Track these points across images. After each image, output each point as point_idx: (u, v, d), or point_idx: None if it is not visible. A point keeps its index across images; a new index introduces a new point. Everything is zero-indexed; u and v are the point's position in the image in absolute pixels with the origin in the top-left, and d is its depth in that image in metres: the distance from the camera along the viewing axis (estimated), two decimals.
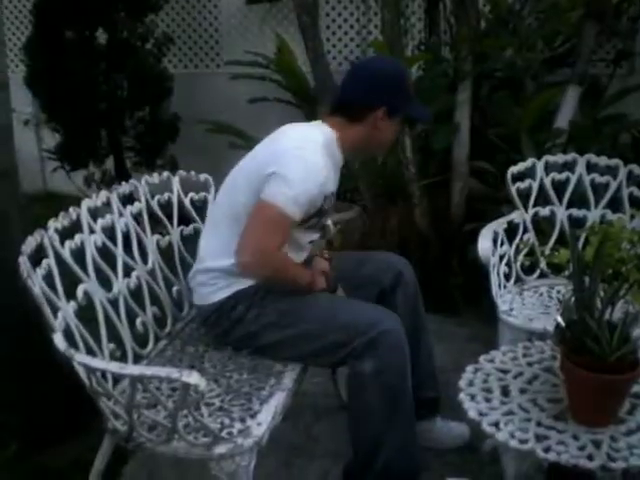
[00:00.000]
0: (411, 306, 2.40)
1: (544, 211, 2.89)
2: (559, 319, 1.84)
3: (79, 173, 4.92)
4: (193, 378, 1.68)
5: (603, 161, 2.89)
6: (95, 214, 2.24)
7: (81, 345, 1.97)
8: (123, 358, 2.15)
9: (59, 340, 1.83)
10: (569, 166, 2.91)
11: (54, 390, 2.46)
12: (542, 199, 2.89)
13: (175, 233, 2.53)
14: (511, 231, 2.82)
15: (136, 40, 4.65)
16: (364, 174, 3.85)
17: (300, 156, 2.11)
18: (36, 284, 1.88)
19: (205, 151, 4.61)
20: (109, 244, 2.25)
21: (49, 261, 1.99)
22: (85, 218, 2.18)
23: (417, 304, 2.44)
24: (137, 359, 2.22)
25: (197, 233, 2.54)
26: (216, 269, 2.23)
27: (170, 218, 2.52)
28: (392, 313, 2.16)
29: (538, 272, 2.86)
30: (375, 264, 2.44)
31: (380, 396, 2.07)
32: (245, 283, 2.21)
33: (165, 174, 2.57)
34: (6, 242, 2.34)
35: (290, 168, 2.09)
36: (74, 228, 2.14)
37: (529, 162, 2.90)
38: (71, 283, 2.06)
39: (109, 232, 2.26)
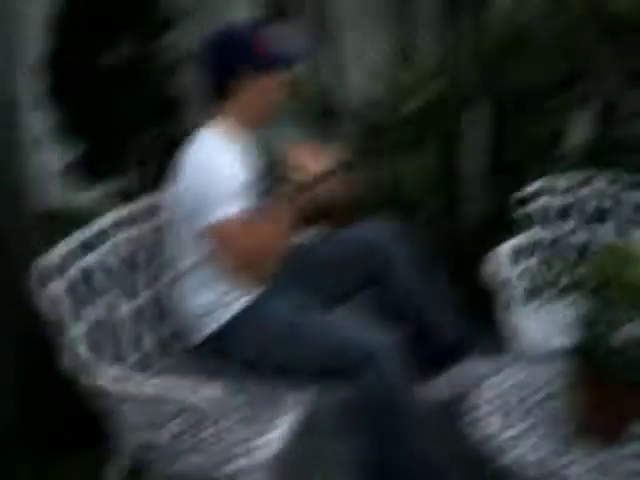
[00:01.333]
0: (412, 268, 2.43)
1: (561, 229, 2.89)
2: (575, 339, 1.84)
3: (96, 188, 4.94)
4: (208, 393, 1.69)
5: (621, 179, 2.90)
6: (117, 228, 2.26)
7: (106, 355, 1.98)
8: (144, 369, 2.16)
9: (68, 360, 1.83)
10: (586, 184, 2.91)
11: (63, 402, 2.46)
12: (559, 217, 2.90)
13: None
14: (527, 249, 2.82)
15: (157, 56, 4.68)
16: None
17: (193, 166, 2.15)
18: (52, 300, 1.89)
19: None
20: (129, 258, 2.26)
21: (69, 274, 2.00)
22: (107, 231, 2.21)
23: (420, 254, 2.48)
24: (157, 372, 2.24)
25: None
26: (191, 314, 2.26)
27: None
28: (385, 331, 2.13)
29: (554, 291, 2.86)
30: (371, 230, 2.45)
31: (374, 420, 2.06)
32: (234, 307, 2.23)
33: None
34: (10, 260, 2.36)
35: (194, 183, 2.11)
36: (95, 242, 2.17)
37: (543, 181, 2.90)
38: (91, 297, 2.07)
39: (132, 245, 2.28)
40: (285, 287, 2.30)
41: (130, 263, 2.26)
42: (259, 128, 2.32)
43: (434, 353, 2.26)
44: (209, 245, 2.12)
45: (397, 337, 2.12)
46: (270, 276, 2.20)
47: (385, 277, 2.36)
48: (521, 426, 1.84)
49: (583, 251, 2.80)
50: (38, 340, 2.32)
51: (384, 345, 2.09)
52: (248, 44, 2.19)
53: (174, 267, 2.30)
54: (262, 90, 2.21)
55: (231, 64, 2.18)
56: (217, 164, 2.12)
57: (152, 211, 2.45)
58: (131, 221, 2.32)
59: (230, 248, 2.11)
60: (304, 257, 2.42)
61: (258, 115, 2.28)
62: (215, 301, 2.22)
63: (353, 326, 2.18)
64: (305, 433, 2.13)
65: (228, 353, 2.25)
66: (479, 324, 3.41)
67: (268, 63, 2.20)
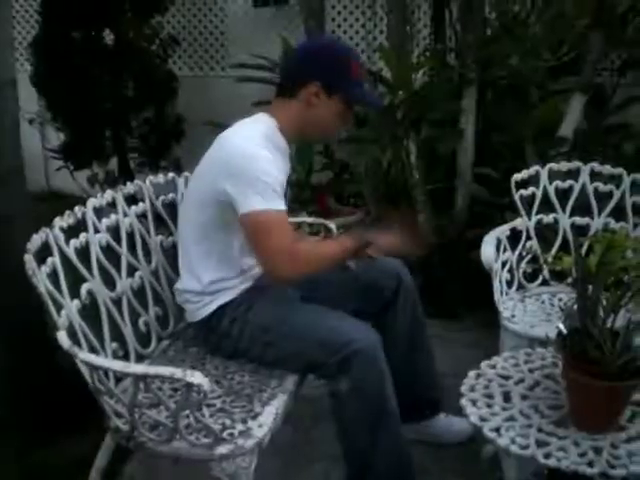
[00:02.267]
0: (411, 310, 2.40)
1: (547, 218, 2.90)
2: (561, 326, 1.85)
3: (83, 173, 4.93)
4: (196, 378, 1.70)
5: (607, 170, 2.90)
6: (100, 213, 2.24)
7: (84, 343, 1.97)
8: (125, 357, 2.16)
9: (63, 338, 1.84)
10: (573, 174, 2.91)
11: (56, 388, 2.46)
12: (546, 206, 2.90)
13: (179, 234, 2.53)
14: (514, 238, 2.82)
15: (142, 41, 4.66)
16: (367, 179, 3.86)
17: (246, 154, 2.07)
18: (41, 282, 1.89)
19: None
20: (113, 244, 2.25)
21: (54, 259, 1.99)
22: (90, 217, 2.18)
23: (416, 308, 2.44)
24: (139, 359, 2.23)
25: None
26: (194, 291, 2.23)
27: (174, 219, 2.52)
28: (368, 328, 2.11)
29: (541, 279, 2.87)
30: (376, 270, 2.41)
31: (360, 413, 2.05)
32: (228, 296, 2.22)
33: (170, 175, 2.58)
34: (13, 240, 2.35)
35: (242, 170, 2.04)
36: (79, 227, 2.15)
37: (533, 170, 2.90)
38: (75, 282, 2.06)
39: (114, 232, 2.27)
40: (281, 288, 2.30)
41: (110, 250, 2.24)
42: (302, 141, 2.34)
43: (409, 404, 2.27)
44: (249, 228, 2.08)
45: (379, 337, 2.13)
46: (297, 281, 2.20)
47: (380, 318, 2.37)
48: (505, 415, 1.85)
49: (567, 241, 2.79)
50: (28, 323, 2.33)
51: (372, 337, 2.08)
52: (338, 63, 2.18)
53: (181, 246, 2.31)
54: (323, 108, 2.18)
55: (311, 70, 2.17)
56: (267, 155, 2.09)
57: (135, 197, 2.43)
58: (113, 207, 2.30)
59: (279, 240, 2.07)
60: None
61: (306, 129, 2.25)
62: (204, 288, 2.21)
63: (341, 318, 2.17)
64: (288, 421, 2.13)
65: (215, 341, 2.25)
66: (472, 308, 3.45)
67: (346, 90, 2.19)
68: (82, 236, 2.14)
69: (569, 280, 2.03)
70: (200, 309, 2.23)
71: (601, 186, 2.88)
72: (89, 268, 2.13)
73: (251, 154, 2.06)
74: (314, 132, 2.29)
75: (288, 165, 2.28)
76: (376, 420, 2.07)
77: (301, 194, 4.02)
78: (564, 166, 2.94)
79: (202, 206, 2.17)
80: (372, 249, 2.25)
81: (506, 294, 2.74)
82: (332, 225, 2.71)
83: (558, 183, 2.90)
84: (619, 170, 2.89)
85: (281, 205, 2.07)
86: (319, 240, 2.22)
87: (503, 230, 2.81)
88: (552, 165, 2.93)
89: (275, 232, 2.06)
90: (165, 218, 2.50)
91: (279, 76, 2.27)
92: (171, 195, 2.54)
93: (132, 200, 2.41)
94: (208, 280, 2.21)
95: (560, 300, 2.74)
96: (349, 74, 2.18)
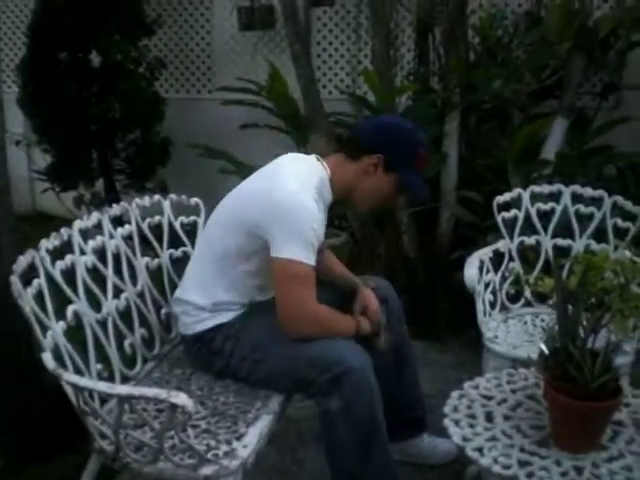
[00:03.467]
0: (395, 330, 2.41)
1: (529, 240, 2.93)
2: (543, 347, 1.87)
3: (69, 194, 4.94)
4: (181, 399, 1.70)
5: (588, 192, 2.94)
6: (86, 235, 2.26)
7: (69, 365, 1.98)
8: (111, 379, 2.16)
9: (48, 359, 1.84)
10: (555, 197, 2.95)
11: (42, 409, 2.46)
12: (528, 228, 2.94)
13: (165, 256, 2.55)
14: (497, 259, 2.85)
15: (129, 63, 4.69)
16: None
17: (298, 203, 2.08)
18: (26, 303, 1.90)
19: (196, 175, 4.64)
20: (99, 265, 2.26)
21: (40, 281, 2.00)
22: (76, 239, 2.19)
23: (401, 328, 2.46)
24: (124, 380, 2.23)
25: (187, 256, 2.56)
26: (197, 305, 2.25)
27: (160, 241, 2.54)
28: (359, 348, 2.13)
29: (523, 300, 2.89)
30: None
31: (350, 433, 2.06)
32: (226, 317, 2.24)
33: (156, 197, 2.59)
34: None
35: (291, 217, 2.06)
36: (65, 248, 2.16)
37: (515, 192, 2.94)
38: (61, 303, 2.07)
39: (100, 253, 2.28)
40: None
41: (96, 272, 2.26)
42: (340, 205, 2.41)
43: (394, 423, 2.28)
44: (280, 273, 2.08)
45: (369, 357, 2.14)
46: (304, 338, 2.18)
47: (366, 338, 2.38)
48: (487, 436, 1.86)
49: (549, 263, 2.82)
50: (14, 343, 2.33)
51: (362, 356, 2.10)
52: (407, 146, 2.24)
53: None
54: (377, 180, 2.24)
55: (381, 144, 2.22)
56: (314, 208, 2.10)
57: (121, 219, 2.45)
58: (99, 229, 2.31)
59: (304, 295, 2.10)
60: None
61: (352, 192, 2.29)
62: (209, 307, 2.23)
63: (331, 337, 2.17)
64: (273, 441, 2.13)
65: (206, 357, 2.26)
66: (455, 329, 3.46)
67: (403, 173, 2.24)
68: (68, 258, 2.15)
69: (551, 301, 2.05)
70: (196, 323, 2.24)
71: (582, 208, 2.92)
72: (75, 290, 2.14)
73: (304, 206, 2.08)
74: (359, 198, 2.32)
75: (327, 216, 2.30)
76: (366, 438, 2.07)
77: None
78: (546, 189, 2.99)
79: (232, 228, 2.18)
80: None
81: (489, 315, 2.76)
82: None
83: (540, 205, 2.93)
84: (600, 192, 2.93)
85: (313, 260, 2.09)
86: (337, 313, 2.22)
87: (486, 252, 2.84)
88: (534, 188, 2.97)
89: (303, 286, 2.09)
90: (151, 240, 2.51)
91: (349, 135, 2.33)
92: (157, 217, 2.56)
93: (118, 222, 2.43)
94: (215, 300, 2.22)
95: (542, 321, 2.77)
96: (412, 160, 2.25)
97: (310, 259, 2.07)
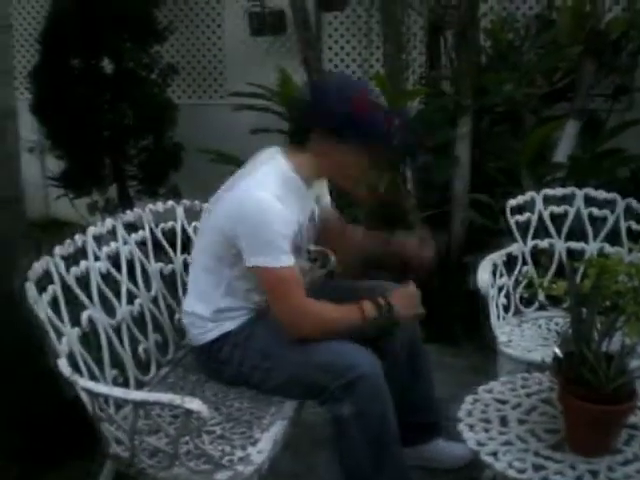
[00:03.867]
0: (408, 335, 2.41)
1: (543, 244, 2.93)
2: (557, 351, 1.86)
3: (83, 200, 4.96)
4: (195, 405, 1.71)
5: (601, 195, 2.93)
6: (100, 241, 2.27)
7: (84, 371, 1.99)
8: (125, 384, 2.17)
9: (63, 365, 1.86)
10: (567, 199, 2.94)
11: (56, 414, 2.47)
12: (541, 232, 2.93)
13: (178, 261, 2.55)
14: (510, 263, 2.85)
15: (141, 70, 4.71)
16: (365, 204, 3.89)
17: (259, 209, 2.04)
18: (41, 310, 1.91)
19: (208, 180, 4.64)
20: (113, 271, 2.28)
21: (55, 287, 2.02)
22: (90, 245, 2.21)
23: (414, 333, 2.45)
24: (139, 385, 2.24)
25: None
26: (200, 315, 2.24)
27: (174, 246, 2.55)
28: (370, 354, 2.11)
29: (537, 304, 2.89)
30: (374, 296, 2.43)
31: (363, 439, 2.05)
32: (232, 324, 2.23)
33: (170, 203, 2.60)
34: (11, 268, 2.37)
35: (252, 226, 2.03)
36: (79, 254, 2.17)
37: (528, 195, 2.94)
38: (75, 309, 2.09)
39: (113, 259, 2.29)
40: None
41: (111, 278, 2.27)
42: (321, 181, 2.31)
43: (408, 428, 2.27)
44: (260, 280, 2.10)
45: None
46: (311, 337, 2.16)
47: (378, 345, 2.36)
48: (502, 440, 1.86)
49: (563, 266, 2.82)
50: (27, 349, 2.34)
51: (374, 362, 2.09)
52: (344, 106, 2.04)
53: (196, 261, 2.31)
54: (336, 155, 2.12)
55: (314, 117, 2.14)
56: (276, 207, 2.04)
57: (134, 225, 2.46)
58: (113, 235, 2.33)
59: (286, 300, 2.09)
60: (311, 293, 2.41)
61: (324, 176, 2.25)
62: (210, 316, 2.23)
63: (342, 343, 2.17)
64: (288, 447, 2.13)
65: (216, 366, 2.26)
66: (469, 333, 3.45)
67: (360, 135, 2.06)
68: (82, 264, 2.16)
69: (564, 305, 2.05)
70: (203, 334, 2.24)
71: (595, 211, 2.91)
72: (89, 295, 2.15)
73: (262, 210, 2.03)
74: (337, 181, 2.26)
75: (309, 203, 2.25)
76: (380, 444, 2.07)
77: None
78: (559, 191, 2.97)
79: (217, 236, 2.17)
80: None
81: (503, 319, 2.75)
82: (331, 255, 2.72)
83: (553, 208, 2.93)
84: (613, 195, 2.92)
85: (285, 260, 2.05)
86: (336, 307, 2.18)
87: (499, 255, 2.83)
88: (547, 191, 2.97)
89: (285, 289, 2.09)
90: (164, 246, 2.52)
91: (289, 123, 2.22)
92: (170, 223, 2.56)
93: (132, 228, 2.44)
94: (215, 308, 2.22)
95: (557, 324, 2.76)
96: (350, 112, 2.04)
97: (283, 261, 2.04)
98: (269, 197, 2.05)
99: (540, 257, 2.98)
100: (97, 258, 2.22)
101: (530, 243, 2.90)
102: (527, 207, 2.92)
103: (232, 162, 4.35)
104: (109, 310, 2.22)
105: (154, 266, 2.45)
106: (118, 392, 1.87)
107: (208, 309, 2.23)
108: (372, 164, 2.17)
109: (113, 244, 2.31)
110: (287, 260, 2.06)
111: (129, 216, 2.44)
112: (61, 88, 4.56)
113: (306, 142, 2.16)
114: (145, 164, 4.88)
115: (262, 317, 2.26)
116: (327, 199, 2.46)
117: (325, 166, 2.17)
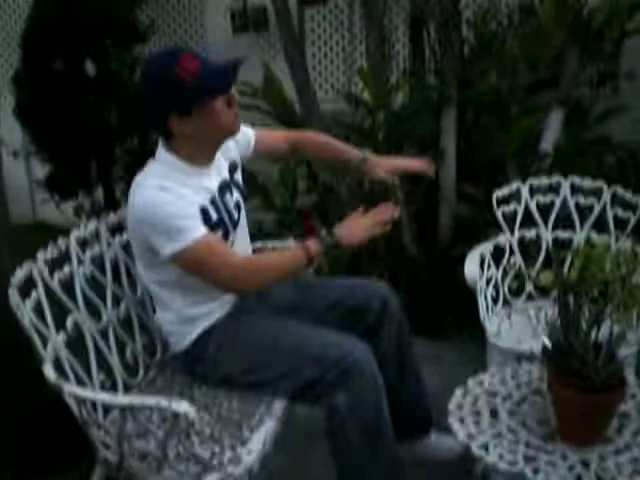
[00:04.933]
0: (396, 332, 2.40)
1: (530, 233, 2.92)
2: (546, 341, 1.86)
3: (69, 203, 4.93)
4: (182, 407, 1.70)
5: (587, 183, 2.93)
6: (84, 244, 2.25)
7: (71, 376, 1.97)
8: (113, 388, 2.16)
9: (49, 371, 1.84)
10: (554, 189, 2.94)
11: (45, 420, 2.46)
12: (528, 222, 2.92)
13: None
14: (498, 254, 2.84)
15: (124, 71, 4.68)
16: (351, 200, 3.88)
17: (146, 205, 2.03)
18: (25, 315, 1.89)
19: None
20: (98, 275, 2.26)
21: (38, 292, 2.00)
22: (74, 249, 2.19)
23: (402, 330, 2.44)
24: (127, 389, 2.23)
25: None
26: (171, 321, 2.23)
27: None
28: (360, 341, 2.11)
29: (525, 294, 2.88)
30: (362, 293, 2.42)
31: (358, 429, 2.04)
32: (209, 321, 2.21)
33: None
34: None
35: (150, 220, 2.02)
36: (63, 258, 2.16)
37: (514, 185, 2.93)
38: (61, 313, 2.07)
39: (98, 262, 2.27)
40: (264, 309, 2.30)
41: (95, 281, 2.25)
42: (216, 149, 2.24)
43: (399, 423, 2.26)
44: (187, 268, 2.07)
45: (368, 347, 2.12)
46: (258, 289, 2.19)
47: (365, 341, 2.34)
48: (492, 432, 1.85)
49: (550, 256, 2.81)
50: (16, 353, 2.33)
51: (365, 350, 2.09)
52: (171, 77, 1.99)
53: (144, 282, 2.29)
54: (199, 126, 2.06)
55: (154, 110, 2.10)
56: (164, 198, 2.02)
57: (119, 227, 2.44)
58: (97, 237, 2.30)
59: (214, 264, 2.05)
60: (291, 289, 2.41)
61: (208, 144, 2.18)
62: (177, 318, 2.21)
63: (331, 334, 2.17)
64: (279, 445, 2.12)
65: (203, 368, 2.23)
66: (458, 325, 3.45)
67: (202, 90, 2.02)
68: (66, 268, 2.14)
69: (553, 294, 2.04)
70: (184, 337, 2.22)
71: (582, 200, 2.91)
72: (74, 300, 2.13)
73: (148, 203, 2.02)
74: (211, 139, 2.18)
75: (209, 179, 2.20)
76: (374, 434, 2.07)
77: (286, 218, 4.03)
78: (545, 181, 2.97)
79: (141, 249, 2.15)
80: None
81: (492, 310, 2.74)
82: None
83: (539, 198, 2.92)
84: (599, 183, 2.92)
85: (191, 235, 2.01)
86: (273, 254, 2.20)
87: (486, 247, 2.82)
88: (533, 180, 2.96)
89: (210, 259, 2.05)
90: None
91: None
92: None
93: (117, 229, 2.41)
94: (179, 309, 2.19)
95: (546, 315, 2.75)
96: (176, 83, 1.99)
97: (190, 237, 2.00)
98: (151, 191, 2.04)
99: (527, 247, 2.97)
100: (81, 261, 2.20)
101: (517, 233, 2.90)
102: (513, 197, 2.91)
103: None
104: (95, 314, 2.20)
105: (139, 268, 2.43)
106: (104, 397, 1.86)
107: (174, 312, 2.21)
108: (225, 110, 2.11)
109: (97, 247, 2.29)
110: (195, 233, 2.01)
111: (113, 218, 2.42)
112: (44, 91, 4.52)
113: (170, 134, 2.11)
114: (131, 165, 4.85)
115: (244, 313, 2.24)
116: (249, 133, 2.43)
117: (195, 139, 2.11)
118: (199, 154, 2.16)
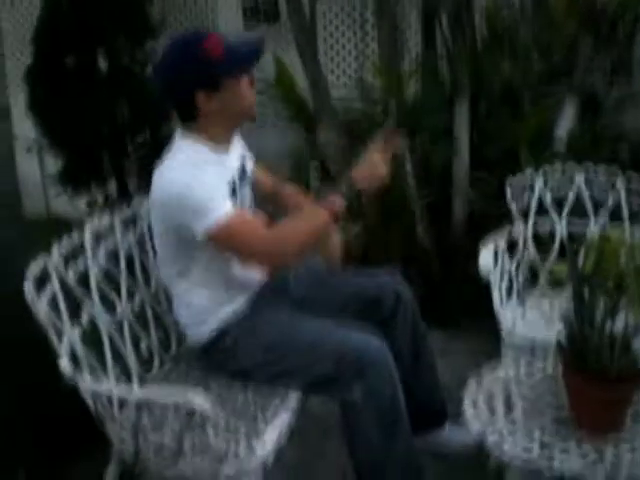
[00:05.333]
0: (410, 325, 2.40)
1: (544, 224, 2.91)
2: (560, 332, 1.85)
3: (82, 197, 4.95)
4: (198, 399, 1.70)
5: (602, 172, 2.91)
6: (98, 238, 2.25)
7: (86, 370, 1.98)
8: (128, 382, 2.16)
9: (65, 365, 1.85)
10: (568, 178, 2.93)
11: (60, 414, 2.47)
12: (541, 212, 2.91)
13: None
14: (512, 246, 2.83)
15: (136, 66, 4.69)
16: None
17: (178, 186, 2.04)
18: (41, 309, 1.90)
19: None
20: (112, 268, 2.26)
21: (53, 286, 2.00)
22: (88, 242, 2.19)
23: (416, 322, 2.44)
24: (142, 383, 2.23)
25: None
26: (188, 314, 2.24)
27: None
28: (375, 334, 2.12)
29: (539, 286, 2.87)
30: (376, 286, 2.42)
31: (374, 421, 2.05)
32: (225, 312, 2.21)
33: None
34: (11, 268, 2.36)
35: (181, 201, 2.02)
36: (78, 252, 2.16)
37: (528, 175, 2.92)
38: (76, 307, 2.08)
39: (112, 256, 2.28)
40: (281, 303, 2.31)
41: (110, 274, 2.26)
42: (236, 131, 2.28)
43: (415, 415, 2.26)
44: (217, 247, 2.08)
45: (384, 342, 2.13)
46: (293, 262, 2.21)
47: (380, 333, 2.34)
48: (507, 422, 1.86)
49: (564, 247, 2.80)
50: (30, 348, 2.34)
51: (381, 345, 2.09)
52: (198, 54, 2.05)
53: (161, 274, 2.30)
54: (226, 104, 2.10)
55: (182, 87, 2.10)
56: (190, 182, 2.02)
57: (133, 220, 2.44)
58: (111, 231, 2.31)
59: (244, 240, 2.07)
60: (307, 283, 2.42)
61: (231, 122, 2.20)
62: (206, 306, 2.21)
63: (347, 329, 2.16)
64: (294, 437, 2.13)
65: (219, 360, 2.24)
66: (472, 317, 3.44)
67: (222, 73, 2.07)
68: (81, 261, 2.15)
69: (567, 286, 2.03)
70: (201, 330, 2.22)
71: (596, 189, 2.90)
72: (89, 293, 2.14)
73: (180, 184, 2.03)
74: (234, 121, 2.21)
75: (228, 166, 2.22)
76: (391, 427, 2.07)
77: None
78: (559, 171, 2.95)
79: (166, 230, 2.16)
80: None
81: (506, 302, 2.73)
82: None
83: (553, 188, 2.91)
84: (614, 171, 2.90)
85: (224, 207, 2.03)
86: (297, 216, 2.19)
87: (500, 238, 2.81)
88: (547, 170, 2.95)
89: (241, 233, 2.06)
90: None
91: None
92: None
93: (131, 223, 2.42)
94: (197, 302, 2.20)
95: (560, 306, 2.74)
96: (210, 61, 2.04)
97: (224, 208, 2.02)
98: (178, 172, 2.06)
99: (541, 238, 2.96)
100: (96, 255, 2.20)
101: (531, 224, 2.88)
102: (527, 187, 2.90)
103: None
104: (110, 307, 2.21)
105: (153, 261, 2.44)
106: (120, 390, 1.87)
107: (192, 304, 2.21)
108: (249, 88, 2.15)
109: (111, 241, 2.29)
110: (226, 207, 2.03)
111: (127, 211, 2.42)
112: (57, 87, 4.54)
113: (195, 113, 2.12)
114: (143, 159, 4.87)
115: (261, 305, 2.24)
116: (251, 162, 2.45)
117: (220, 117, 2.13)
118: (222, 134, 2.19)
